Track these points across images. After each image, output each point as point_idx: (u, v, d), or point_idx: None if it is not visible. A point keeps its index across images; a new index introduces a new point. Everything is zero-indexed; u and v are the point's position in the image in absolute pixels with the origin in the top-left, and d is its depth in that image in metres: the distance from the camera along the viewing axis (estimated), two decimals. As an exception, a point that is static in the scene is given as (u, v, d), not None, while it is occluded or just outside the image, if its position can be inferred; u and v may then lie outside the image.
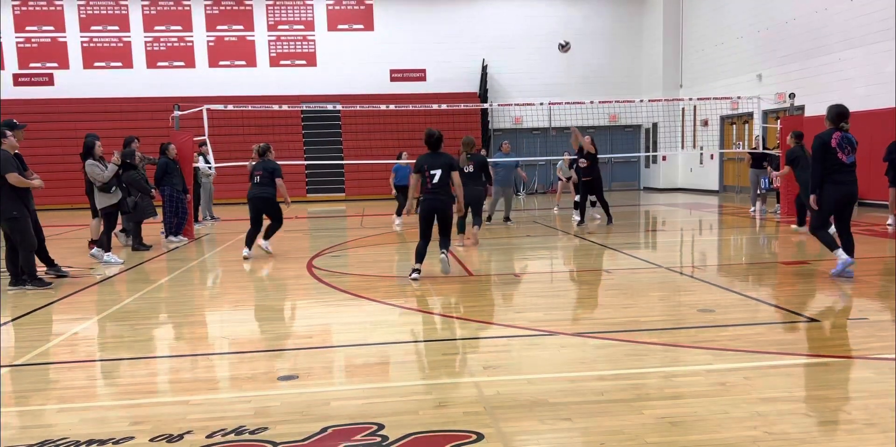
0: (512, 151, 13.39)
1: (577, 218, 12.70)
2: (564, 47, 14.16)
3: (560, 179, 16.73)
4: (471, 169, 9.95)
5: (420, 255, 7.50)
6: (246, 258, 9.20)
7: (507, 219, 13.17)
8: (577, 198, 13.21)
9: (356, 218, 15.69)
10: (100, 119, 21.55)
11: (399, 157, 13.74)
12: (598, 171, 12.60)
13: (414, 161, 7.94)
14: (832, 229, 7.16)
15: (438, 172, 7.37)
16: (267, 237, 9.58)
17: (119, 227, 10.93)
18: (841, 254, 6.79)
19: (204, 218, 14.77)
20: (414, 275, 7.38)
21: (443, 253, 7.57)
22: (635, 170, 26.10)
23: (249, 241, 9.35)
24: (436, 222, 7.54)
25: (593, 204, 13.44)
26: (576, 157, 12.85)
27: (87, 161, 8.89)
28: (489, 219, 13.10)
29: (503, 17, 24.33)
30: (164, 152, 11.34)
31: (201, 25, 23.57)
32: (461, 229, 9.90)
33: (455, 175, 7.46)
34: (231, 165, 16.22)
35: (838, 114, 6.86)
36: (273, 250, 9.50)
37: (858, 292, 6.27)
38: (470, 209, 9.89)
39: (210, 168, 13.94)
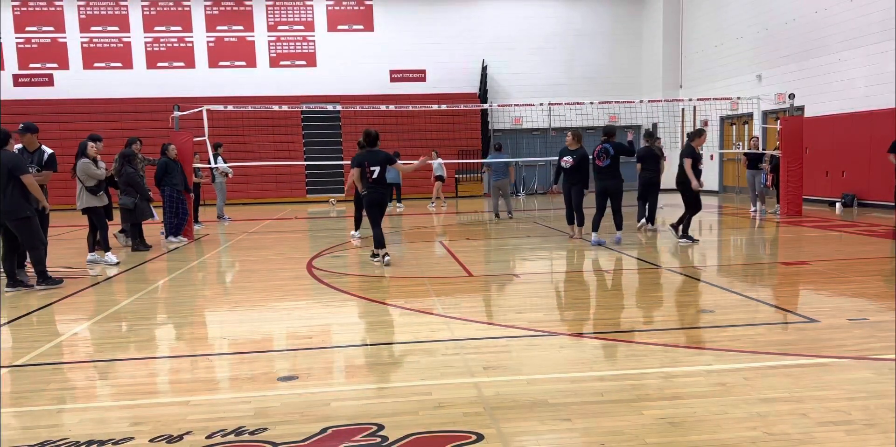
0: (506, 152, 14.24)
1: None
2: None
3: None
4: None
5: (379, 242, 8.48)
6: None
7: (497, 215, 14.60)
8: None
9: (356, 218, 15.67)
10: (100, 119, 21.57)
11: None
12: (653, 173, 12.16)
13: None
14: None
15: (377, 169, 8.35)
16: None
17: (118, 228, 10.95)
18: (594, 236, 9.75)
19: (220, 216, 14.98)
20: (377, 260, 8.51)
21: (384, 255, 8.46)
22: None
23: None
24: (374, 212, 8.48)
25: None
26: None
27: (79, 160, 8.88)
28: (497, 216, 14.53)
29: (503, 18, 24.32)
30: (164, 152, 11.36)
31: (201, 26, 23.57)
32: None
33: (394, 167, 8.53)
34: (230, 166, 16.23)
35: (603, 133, 10.01)
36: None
37: (858, 292, 6.27)
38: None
39: (218, 168, 14.22)
